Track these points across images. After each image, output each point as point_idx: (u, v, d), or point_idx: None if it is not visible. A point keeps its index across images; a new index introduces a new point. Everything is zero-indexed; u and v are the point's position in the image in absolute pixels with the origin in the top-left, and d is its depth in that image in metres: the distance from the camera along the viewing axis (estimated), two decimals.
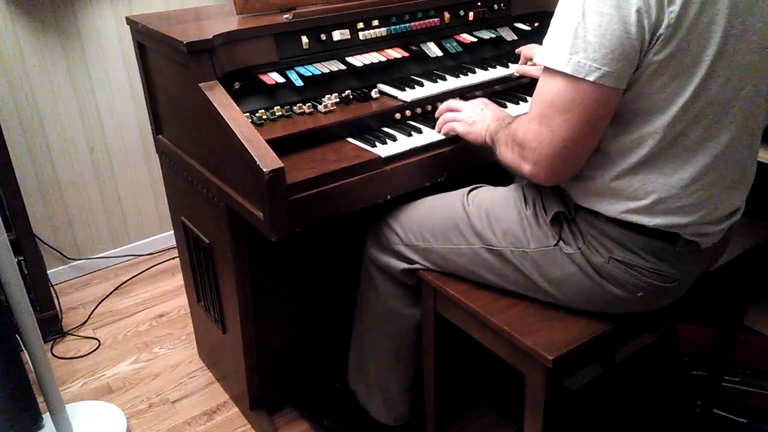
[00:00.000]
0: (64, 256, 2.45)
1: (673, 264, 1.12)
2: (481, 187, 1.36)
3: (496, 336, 1.21)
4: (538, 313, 1.21)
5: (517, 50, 1.65)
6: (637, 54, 0.96)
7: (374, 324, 1.51)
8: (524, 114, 1.15)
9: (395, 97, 1.48)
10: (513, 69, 1.64)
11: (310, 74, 1.42)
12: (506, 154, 1.16)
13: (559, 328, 1.17)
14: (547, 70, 1.02)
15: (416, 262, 1.37)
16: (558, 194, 1.17)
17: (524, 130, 1.08)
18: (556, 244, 1.16)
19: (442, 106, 1.43)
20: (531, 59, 1.58)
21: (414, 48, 1.59)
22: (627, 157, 1.05)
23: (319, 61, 1.47)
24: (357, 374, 1.63)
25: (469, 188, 1.35)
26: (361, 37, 1.52)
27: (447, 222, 1.31)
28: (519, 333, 1.15)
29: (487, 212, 1.26)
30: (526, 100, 1.57)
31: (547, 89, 1.03)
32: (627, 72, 0.97)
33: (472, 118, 1.33)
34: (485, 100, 1.39)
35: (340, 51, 1.50)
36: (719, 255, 1.28)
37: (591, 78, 0.96)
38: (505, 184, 1.33)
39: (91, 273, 2.54)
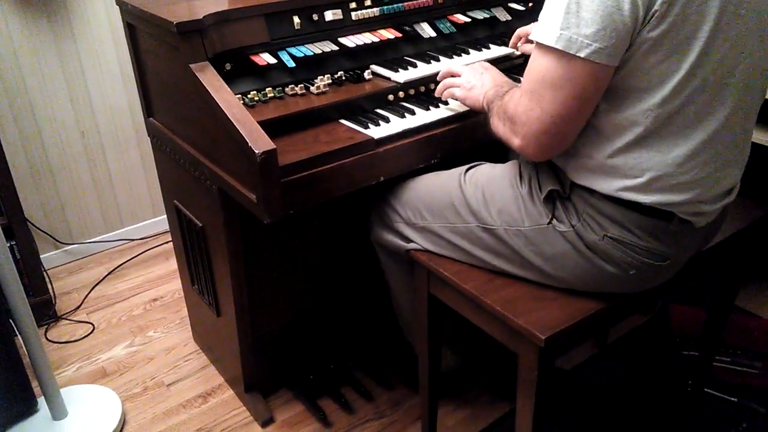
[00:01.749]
0: (56, 240, 2.44)
1: (667, 243, 1.12)
2: (479, 165, 1.36)
3: (490, 316, 1.22)
4: (530, 293, 1.22)
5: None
6: (630, 31, 0.95)
7: (398, 290, 1.56)
8: (518, 87, 1.15)
9: (388, 79, 1.47)
10: (507, 50, 1.63)
11: (302, 55, 1.41)
12: (498, 126, 1.17)
13: (551, 308, 1.18)
14: (539, 45, 1.02)
15: (413, 241, 1.37)
16: (554, 172, 1.17)
17: (515, 104, 1.09)
18: (549, 222, 1.17)
19: (443, 71, 1.43)
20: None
21: (407, 28, 1.58)
22: (622, 135, 1.05)
23: (312, 42, 1.45)
24: (405, 327, 1.67)
25: (467, 166, 1.35)
26: (353, 18, 1.50)
27: (444, 200, 1.32)
28: (512, 313, 1.16)
29: (483, 191, 1.27)
30: (519, 81, 1.55)
31: (538, 65, 1.03)
32: (620, 49, 0.97)
33: (471, 83, 1.33)
34: (486, 64, 1.39)
35: (332, 31, 1.49)
36: (712, 235, 1.28)
37: (582, 54, 0.96)
38: (502, 162, 1.33)
39: (84, 257, 2.53)
